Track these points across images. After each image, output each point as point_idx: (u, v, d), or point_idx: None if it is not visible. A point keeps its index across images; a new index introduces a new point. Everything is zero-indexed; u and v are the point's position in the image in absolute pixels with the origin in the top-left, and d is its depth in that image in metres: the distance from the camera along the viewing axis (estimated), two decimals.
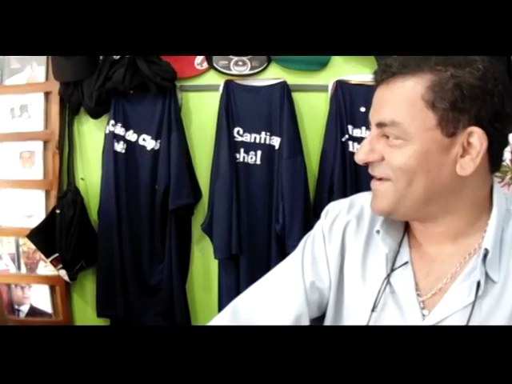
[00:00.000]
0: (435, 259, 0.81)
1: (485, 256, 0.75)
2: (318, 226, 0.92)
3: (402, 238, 0.84)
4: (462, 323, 0.74)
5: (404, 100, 0.73)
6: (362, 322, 0.81)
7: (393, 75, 0.75)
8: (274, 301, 0.88)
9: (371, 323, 0.81)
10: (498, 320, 0.74)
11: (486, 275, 0.74)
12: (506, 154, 2.01)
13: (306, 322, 0.87)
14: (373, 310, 0.81)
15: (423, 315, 0.78)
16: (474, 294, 0.74)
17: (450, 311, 0.76)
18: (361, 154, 0.79)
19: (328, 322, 0.89)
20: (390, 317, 0.81)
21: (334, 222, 0.90)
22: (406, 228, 0.85)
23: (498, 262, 0.75)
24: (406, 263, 0.82)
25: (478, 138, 0.72)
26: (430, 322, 0.77)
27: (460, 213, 0.78)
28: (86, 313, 2.31)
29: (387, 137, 0.76)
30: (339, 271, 0.88)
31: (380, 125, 0.76)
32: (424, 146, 0.73)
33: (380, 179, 0.79)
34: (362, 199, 0.91)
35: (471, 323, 0.73)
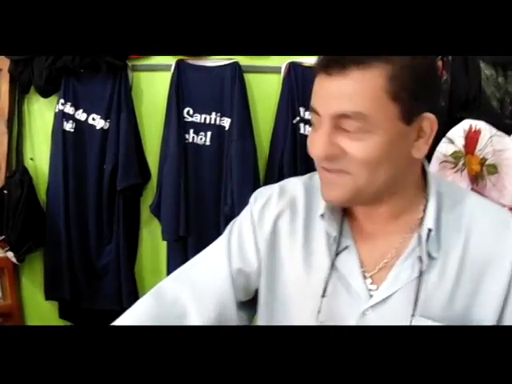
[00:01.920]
0: (378, 237, 0.82)
1: (427, 235, 0.78)
2: (247, 211, 0.91)
3: (342, 218, 0.84)
4: (411, 298, 0.77)
5: (367, 92, 0.71)
6: (314, 308, 0.81)
7: (344, 66, 0.71)
8: (199, 283, 0.87)
9: (323, 309, 0.81)
10: (441, 294, 0.77)
11: (427, 252, 0.78)
12: (460, 140, 1.99)
13: (232, 305, 0.87)
14: (323, 296, 0.81)
15: (369, 290, 0.80)
16: (417, 269, 0.77)
17: (396, 286, 0.78)
18: (319, 149, 0.74)
19: (262, 305, 0.89)
20: (339, 298, 0.81)
21: (265, 208, 0.89)
22: (344, 208, 0.85)
23: (437, 241, 0.78)
24: (349, 244, 0.82)
25: (430, 122, 0.76)
26: (378, 297, 0.79)
27: (403, 192, 0.81)
28: (35, 296, 2.27)
29: (346, 129, 0.73)
30: (270, 256, 0.87)
31: (340, 116, 0.72)
32: (388, 137, 0.72)
33: (336, 171, 0.75)
34: (292, 186, 0.90)
35: (419, 298, 0.76)
